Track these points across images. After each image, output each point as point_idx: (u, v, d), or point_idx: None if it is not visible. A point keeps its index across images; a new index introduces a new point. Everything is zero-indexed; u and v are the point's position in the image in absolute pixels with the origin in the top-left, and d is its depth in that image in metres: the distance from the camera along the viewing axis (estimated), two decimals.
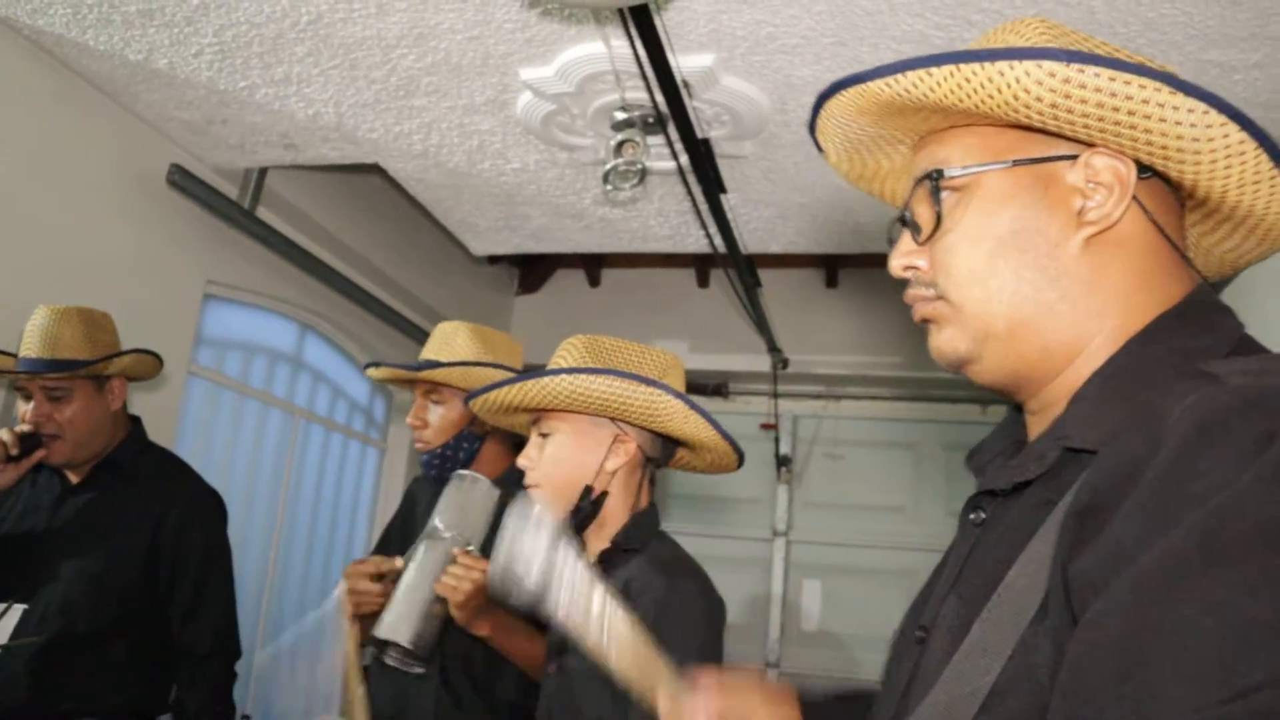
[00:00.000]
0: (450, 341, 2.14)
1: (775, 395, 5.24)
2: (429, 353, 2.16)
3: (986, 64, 0.73)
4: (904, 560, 4.97)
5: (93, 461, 2.21)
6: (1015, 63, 0.72)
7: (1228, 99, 0.69)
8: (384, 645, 1.78)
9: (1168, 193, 0.80)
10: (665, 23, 2.17)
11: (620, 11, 2.08)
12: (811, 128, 0.92)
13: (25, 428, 2.07)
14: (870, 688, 1.07)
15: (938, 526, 5.01)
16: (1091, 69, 0.70)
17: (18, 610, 2.04)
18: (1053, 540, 0.67)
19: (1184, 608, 0.52)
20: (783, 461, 5.34)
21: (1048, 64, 0.71)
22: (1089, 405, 0.74)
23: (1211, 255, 0.87)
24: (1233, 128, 0.70)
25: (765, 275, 4.76)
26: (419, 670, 1.82)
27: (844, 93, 0.84)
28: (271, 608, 3.87)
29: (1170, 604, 0.53)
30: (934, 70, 0.76)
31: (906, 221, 0.87)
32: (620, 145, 2.62)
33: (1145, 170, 0.77)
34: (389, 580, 1.85)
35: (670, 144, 2.73)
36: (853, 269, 5.10)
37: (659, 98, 2.45)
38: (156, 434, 2.39)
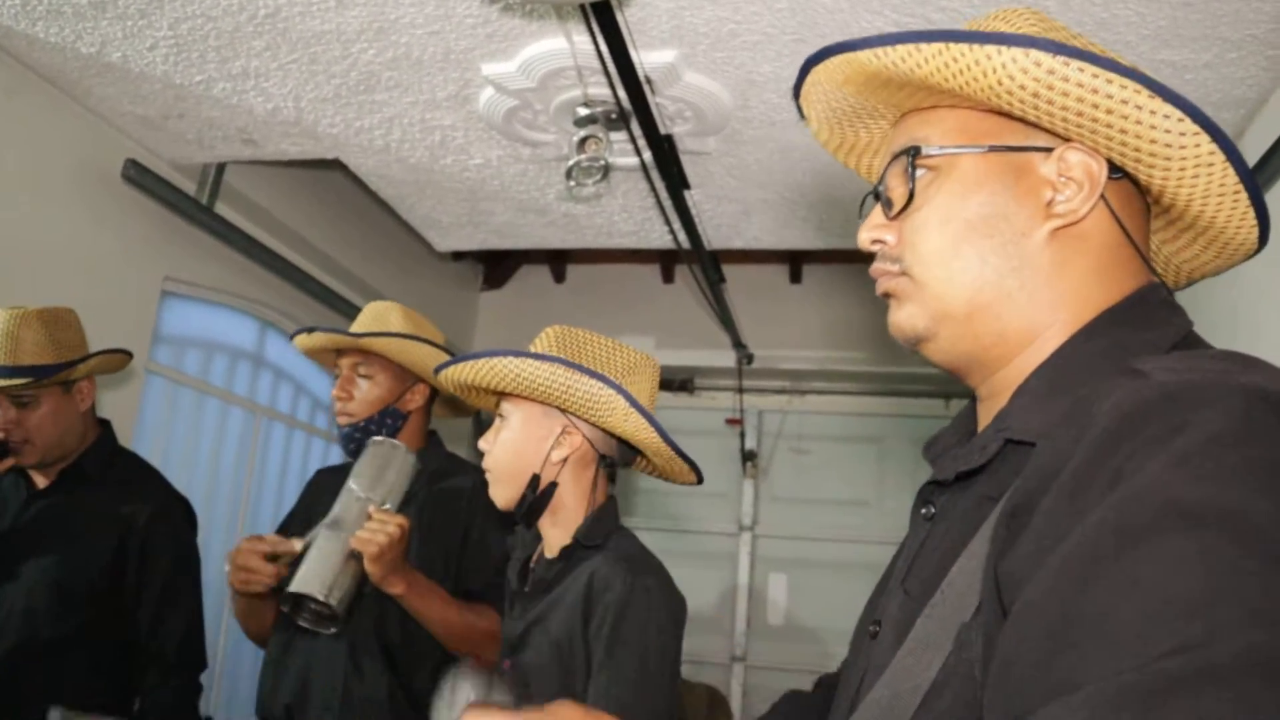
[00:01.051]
0: (383, 319, 2.14)
1: (740, 390, 5.26)
2: (361, 328, 2.14)
3: (975, 46, 0.74)
4: (870, 554, 5.01)
5: (61, 464, 2.17)
6: (1004, 48, 0.73)
7: None
8: (297, 605, 1.75)
9: (1135, 195, 0.81)
10: (627, 19, 2.16)
11: (582, 7, 2.07)
12: (796, 92, 0.92)
13: None
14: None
15: (903, 520, 4.93)
16: (1076, 63, 0.71)
17: None
18: (989, 538, 0.68)
19: (1100, 591, 0.54)
20: (748, 456, 5.36)
21: (1035, 53, 0.72)
22: (1030, 398, 0.75)
23: (1170, 264, 0.89)
24: (1204, 138, 0.71)
25: (730, 271, 4.77)
26: (332, 631, 1.78)
27: (832, 60, 0.85)
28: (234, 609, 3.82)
29: (1088, 589, 0.54)
30: (923, 46, 0.77)
31: (879, 195, 0.88)
32: (583, 141, 2.62)
33: (1116, 171, 0.78)
34: (282, 563, 1.82)
35: (633, 140, 2.73)
36: (817, 264, 5.13)
37: (621, 94, 2.44)
38: (115, 433, 2.36)
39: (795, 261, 5.14)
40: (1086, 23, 2.03)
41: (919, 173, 0.84)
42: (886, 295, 0.88)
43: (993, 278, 0.79)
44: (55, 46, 2.47)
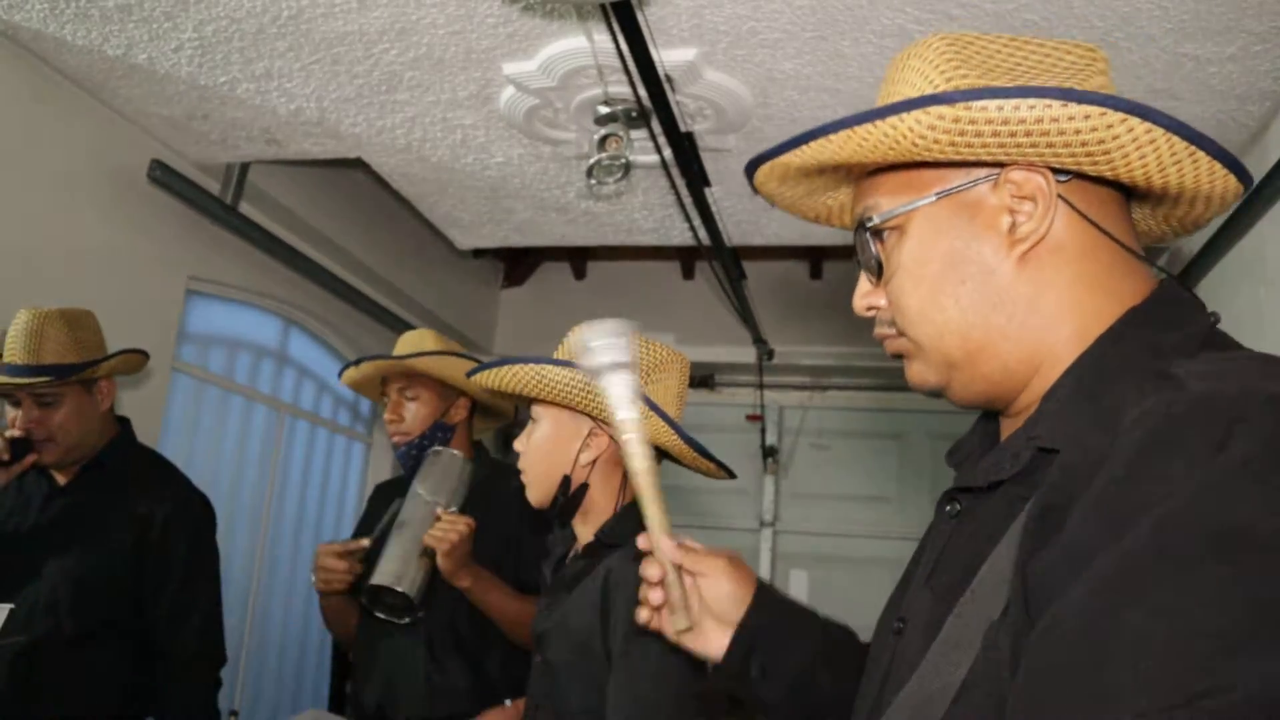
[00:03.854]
0: (420, 343, 2.32)
1: (761, 386, 5.25)
2: (401, 352, 2.32)
3: (879, 122, 0.75)
4: (890, 550, 5.00)
5: (81, 462, 2.20)
6: (905, 115, 0.74)
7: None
8: (375, 597, 1.95)
9: (1101, 190, 0.81)
10: (647, 17, 2.17)
11: (603, 6, 2.07)
12: (754, 190, 0.95)
13: (15, 433, 2.06)
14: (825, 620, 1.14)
15: (923, 516, 4.96)
16: (978, 103, 0.72)
17: (4, 610, 2.02)
18: (1018, 540, 0.69)
19: (1136, 614, 0.54)
20: (769, 453, 5.35)
21: (935, 108, 0.73)
22: (1060, 404, 0.75)
23: (1170, 222, 0.88)
24: (1134, 120, 0.70)
25: (750, 267, 4.76)
26: (406, 621, 1.99)
27: (762, 168, 0.88)
28: (258, 605, 3.86)
29: (1123, 610, 0.55)
30: (833, 137, 0.79)
31: (869, 263, 0.89)
32: (604, 139, 2.62)
33: (1064, 174, 0.78)
34: (356, 559, 2.05)
35: (654, 138, 2.73)
36: (837, 260, 5.12)
37: (642, 92, 2.45)
38: (140, 431, 2.38)
39: (816, 257, 5.14)
40: (1110, 17, 2.02)
41: (887, 236, 0.85)
42: (896, 355, 0.89)
43: (977, 320, 0.80)
44: (82, 49, 2.50)
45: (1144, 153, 0.72)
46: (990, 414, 0.91)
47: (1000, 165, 0.79)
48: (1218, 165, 0.74)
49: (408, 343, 2.35)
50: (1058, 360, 0.78)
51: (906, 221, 0.83)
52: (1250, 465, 0.56)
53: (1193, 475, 0.57)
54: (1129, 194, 0.83)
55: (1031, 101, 0.71)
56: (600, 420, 1.59)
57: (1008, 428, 0.86)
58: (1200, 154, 0.73)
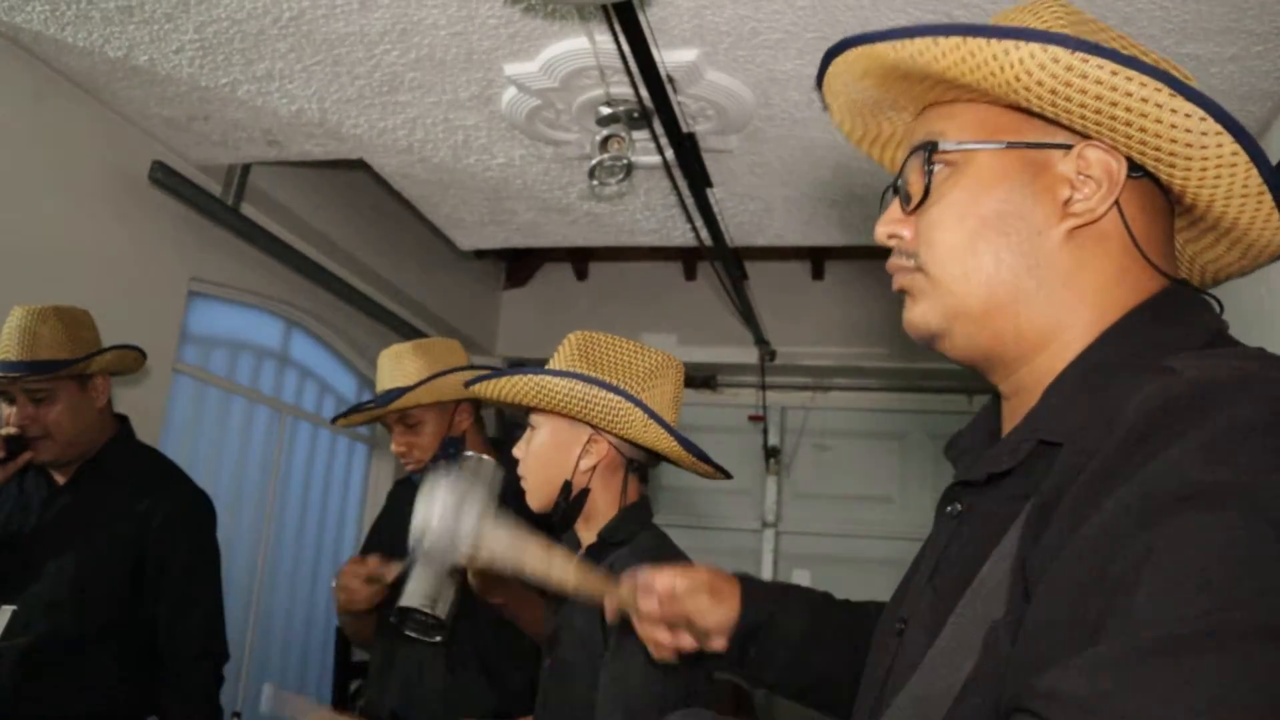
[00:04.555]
0: (400, 365, 2.25)
1: (763, 387, 5.25)
2: (385, 383, 2.26)
3: (993, 40, 0.73)
4: (893, 550, 5.00)
5: (79, 461, 2.20)
6: (1021, 43, 0.71)
7: (1205, 92, 0.69)
8: (404, 616, 1.89)
9: (1157, 194, 0.80)
10: (649, 18, 2.17)
11: (604, 7, 2.07)
12: (819, 82, 0.91)
13: (10, 430, 2.06)
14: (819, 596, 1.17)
15: (925, 516, 4.96)
16: (1095, 60, 0.70)
17: (6, 611, 2.03)
18: (1019, 537, 0.69)
19: (1121, 563, 0.55)
20: (771, 453, 5.35)
21: (1053, 49, 0.70)
22: (1062, 398, 0.75)
23: (1195, 264, 0.88)
24: (1226, 138, 0.70)
25: (752, 268, 4.76)
26: (437, 639, 1.92)
27: (851, 51, 0.84)
28: (261, 606, 3.86)
29: (1109, 562, 0.56)
30: (940, 40, 0.76)
31: (898, 189, 0.87)
32: (606, 140, 2.62)
33: (1137, 169, 0.77)
34: (383, 584, 1.98)
35: (655, 138, 2.73)
36: (839, 261, 5.11)
37: (643, 93, 2.45)
38: (142, 432, 2.39)
39: (817, 258, 5.13)
40: (1110, 17, 2.01)
41: (937, 168, 0.83)
42: (902, 291, 0.87)
43: (1008, 276, 0.79)
44: (84, 50, 2.50)
45: (1220, 174, 0.72)
46: (993, 404, 0.90)
47: (1081, 137, 0.77)
48: (1276, 216, 0.73)
49: (387, 367, 2.27)
50: (1066, 344, 0.78)
51: (966, 159, 0.81)
52: (1240, 430, 0.57)
53: (1177, 442, 0.58)
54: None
55: (1144, 79, 0.69)
56: (599, 427, 1.59)
57: (1008, 414, 0.85)
58: (1267, 198, 0.72)
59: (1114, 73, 0.70)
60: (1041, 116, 0.78)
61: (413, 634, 1.91)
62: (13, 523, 2.17)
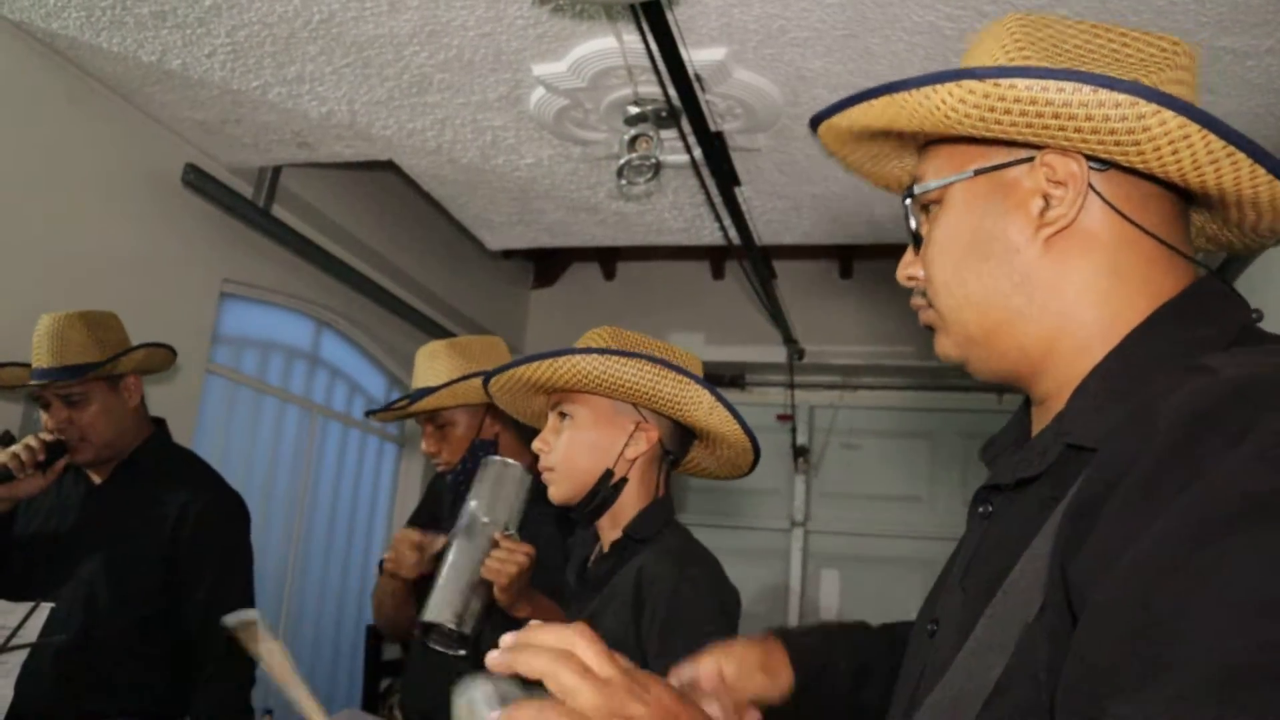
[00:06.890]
0: (433, 364, 2.24)
1: (792, 386, 5.23)
2: (418, 381, 2.26)
3: (914, 90, 0.77)
4: (922, 549, 4.97)
5: (116, 460, 2.23)
6: (938, 86, 0.76)
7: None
8: (428, 630, 1.84)
9: (1145, 185, 0.79)
10: (677, 17, 2.16)
11: (632, 7, 2.07)
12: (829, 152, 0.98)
13: (48, 436, 2.09)
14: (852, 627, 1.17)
15: (955, 516, 4.99)
16: (1008, 81, 0.72)
17: (45, 609, 2.05)
18: (1053, 539, 0.68)
19: (1179, 587, 0.54)
20: (800, 452, 5.33)
21: (967, 82, 0.74)
22: (1090, 400, 0.75)
23: (1242, 229, 0.85)
24: (1167, 114, 0.69)
25: (780, 267, 4.75)
26: (462, 652, 1.87)
27: (820, 128, 0.91)
28: (292, 605, 3.90)
29: (1166, 586, 0.54)
30: (874, 101, 0.81)
31: (911, 233, 0.91)
32: (634, 140, 2.62)
33: (1101, 163, 0.78)
34: (428, 556, 2.01)
35: (683, 137, 2.73)
36: (867, 259, 5.09)
37: (671, 92, 2.44)
38: (175, 432, 2.41)
39: (846, 257, 5.11)
40: (1144, 11, 1.99)
41: (931, 208, 0.87)
42: (928, 327, 0.91)
43: (997, 299, 0.81)
44: (117, 55, 2.53)
45: (1177, 148, 0.71)
46: (1024, 408, 0.91)
47: (1040, 147, 0.79)
48: (1260, 169, 0.71)
49: (424, 363, 2.28)
50: (1082, 349, 0.78)
51: (945, 195, 0.85)
52: None
53: (1223, 456, 0.56)
54: (1188, 198, 0.82)
55: (1060, 84, 0.71)
56: (646, 412, 1.57)
57: (1038, 419, 0.86)
58: (1240, 156, 0.71)
59: (1028, 86, 0.72)
60: (1002, 141, 0.80)
61: (437, 647, 1.86)
62: (50, 522, 2.20)
